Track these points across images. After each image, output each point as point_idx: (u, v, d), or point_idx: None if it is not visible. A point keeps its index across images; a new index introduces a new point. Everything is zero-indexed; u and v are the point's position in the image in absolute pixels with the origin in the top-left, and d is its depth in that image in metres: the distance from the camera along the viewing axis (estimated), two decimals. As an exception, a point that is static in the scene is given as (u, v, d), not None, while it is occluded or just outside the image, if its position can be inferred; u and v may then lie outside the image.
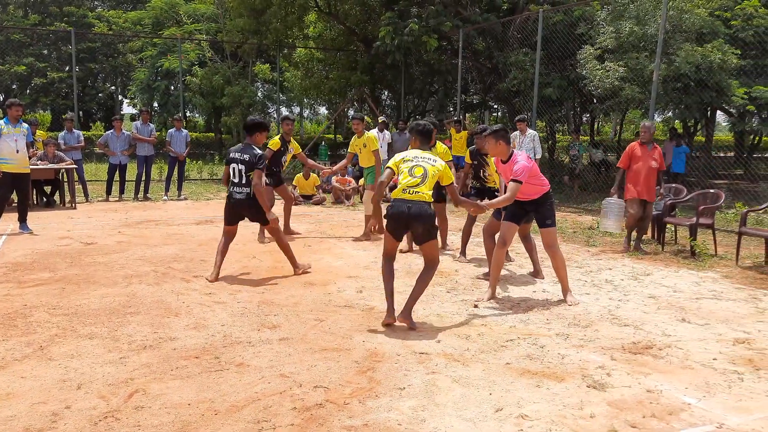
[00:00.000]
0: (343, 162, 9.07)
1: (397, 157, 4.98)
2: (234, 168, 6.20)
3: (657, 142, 8.39)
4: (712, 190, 8.42)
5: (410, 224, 4.79)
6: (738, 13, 13.29)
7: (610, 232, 8.68)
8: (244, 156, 6.16)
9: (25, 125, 8.97)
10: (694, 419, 3.31)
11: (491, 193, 7.41)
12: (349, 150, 8.97)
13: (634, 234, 8.14)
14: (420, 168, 4.82)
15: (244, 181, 6.17)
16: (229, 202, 6.31)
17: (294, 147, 8.77)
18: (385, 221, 4.91)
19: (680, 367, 4.05)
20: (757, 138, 20.22)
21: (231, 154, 6.26)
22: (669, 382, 3.79)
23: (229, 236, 6.47)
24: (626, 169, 7.99)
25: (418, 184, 4.76)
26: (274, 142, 8.47)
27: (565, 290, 5.64)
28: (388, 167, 4.96)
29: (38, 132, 13.20)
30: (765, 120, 14.97)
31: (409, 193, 4.74)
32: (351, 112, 24.82)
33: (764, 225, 8.76)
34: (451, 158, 7.62)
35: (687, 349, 4.37)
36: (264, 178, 8.13)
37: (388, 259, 5.01)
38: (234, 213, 6.35)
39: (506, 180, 5.64)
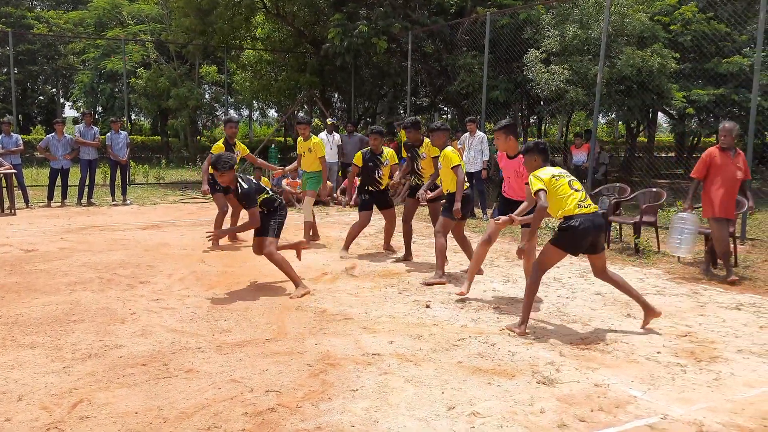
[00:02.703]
0: (294, 164, 8.91)
1: (544, 176, 4.69)
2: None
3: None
4: (654, 189, 8.69)
5: (596, 237, 4.71)
6: (677, 18, 13.78)
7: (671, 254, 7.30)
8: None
9: None
10: (640, 411, 3.40)
11: (382, 195, 7.80)
12: (297, 151, 8.75)
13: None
14: (575, 180, 4.77)
15: None
16: None
17: (240, 149, 8.49)
18: (568, 237, 4.62)
19: (626, 361, 4.17)
20: (696, 139, 20.98)
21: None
22: (616, 375, 3.89)
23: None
24: (702, 180, 6.77)
25: (586, 197, 4.70)
26: (218, 147, 8.26)
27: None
28: (542, 190, 4.59)
29: None
30: (703, 122, 15.56)
31: (584, 207, 4.63)
32: (301, 115, 24.65)
33: (704, 222, 9.10)
34: (397, 161, 7.71)
35: (632, 344, 4.50)
36: (205, 186, 8.07)
37: (544, 272, 4.86)
38: None
39: (506, 173, 5.73)
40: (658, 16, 13.70)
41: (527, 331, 4.71)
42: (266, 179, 13.54)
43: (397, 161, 7.76)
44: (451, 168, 6.37)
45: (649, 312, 4.83)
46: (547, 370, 3.97)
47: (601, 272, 4.89)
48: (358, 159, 7.84)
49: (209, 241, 6.19)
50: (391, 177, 7.92)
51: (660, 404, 3.49)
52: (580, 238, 4.60)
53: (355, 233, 7.83)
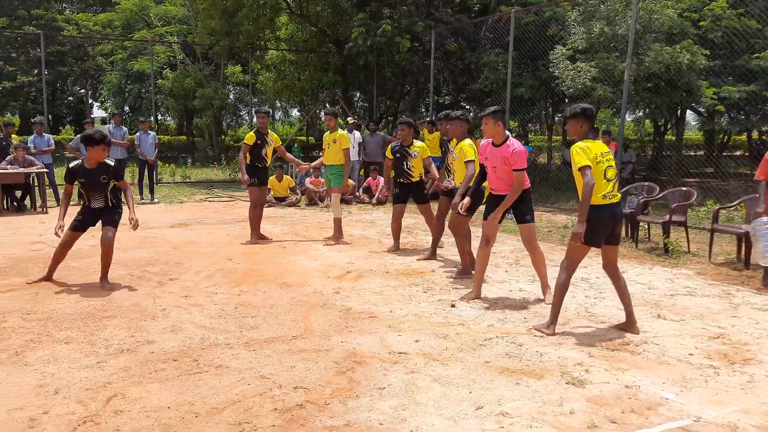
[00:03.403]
0: (320, 160, 8.95)
1: (589, 153, 4.49)
2: None
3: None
4: (684, 188, 8.57)
5: (615, 227, 4.66)
6: (707, 14, 13.56)
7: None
8: None
9: None
10: (672, 413, 3.36)
11: (416, 188, 7.78)
12: (323, 146, 8.75)
13: None
14: (612, 168, 4.61)
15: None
16: None
17: (273, 139, 8.51)
18: (590, 229, 4.51)
19: (657, 362, 4.11)
20: (726, 137, 20.64)
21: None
22: (647, 377, 3.85)
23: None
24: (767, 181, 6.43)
25: (614, 187, 4.60)
26: (250, 136, 8.35)
27: (545, 287, 5.67)
28: (588, 167, 4.43)
29: (13, 136, 12.96)
30: (733, 119, 15.29)
31: (609, 198, 4.54)
32: (323, 114, 24.76)
33: (735, 222, 8.93)
34: (429, 154, 7.75)
35: (663, 345, 4.44)
36: (245, 176, 8.27)
37: (574, 270, 4.79)
38: None
39: (491, 163, 5.60)
40: (688, 12, 13.49)
41: (556, 332, 4.67)
42: (288, 177, 13.63)
43: (429, 154, 7.78)
44: (464, 162, 6.33)
45: (631, 326, 4.72)
46: (576, 370, 3.94)
47: (611, 266, 4.80)
48: (388, 152, 7.93)
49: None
50: (427, 172, 7.92)
51: (693, 406, 3.45)
52: (601, 229, 4.54)
53: (397, 228, 7.95)
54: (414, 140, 7.79)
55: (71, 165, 6.00)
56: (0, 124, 12.66)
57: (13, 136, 12.93)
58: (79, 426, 3.14)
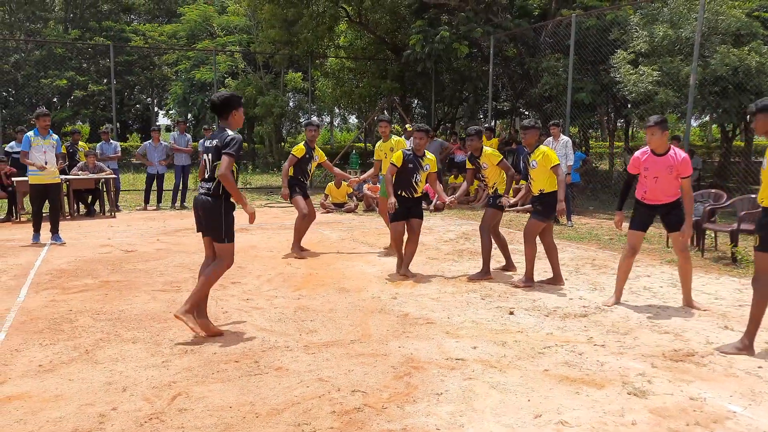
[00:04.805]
0: (371, 171, 8.62)
1: None
2: (204, 159, 4.82)
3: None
4: (753, 196, 8.23)
5: None
6: (778, 15, 13.02)
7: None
8: (213, 141, 4.74)
9: (55, 136, 8.80)
10: (740, 427, 3.24)
11: (417, 204, 7.07)
12: (375, 157, 8.43)
13: None
14: None
15: (207, 175, 4.76)
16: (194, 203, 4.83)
17: (319, 155, 8.23)
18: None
19: (724, 375, 3.97)
20: (798, 142, 19.70)
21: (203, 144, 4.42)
22: (713, 389, 3.72)
23: (208, 252, 4.94)
24: None
25: None
26: (299, 149, 8.06)
27: (689, 297, 5.61)
28: None
29: (80, 143, 13.58)
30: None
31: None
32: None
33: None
34: (436, 170, 7.17)
35: (731, 357, 4.28)
36: (286, 190, 7.96)
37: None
38: (197, 217, 4.87)
39: (652, 174, 5.48)
40: (757, 12, 12.97)
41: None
42: (346, 183, 13.77)
43: (436, 169, 7.10)
44: (551, 168, 6.27)
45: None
46: (638, 381, 3.84)
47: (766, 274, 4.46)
48: (398, 159, 6.95)
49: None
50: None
51: (762, 421, 3.31)
52: None
53: (400, 248, 7.05)
54: (426, 152, 7.01)
55: (241, 140, 4.81)
56: (69, 131, 13.30)
57: (80, 143, 13.55)
58: (146, 423, 3.26)
